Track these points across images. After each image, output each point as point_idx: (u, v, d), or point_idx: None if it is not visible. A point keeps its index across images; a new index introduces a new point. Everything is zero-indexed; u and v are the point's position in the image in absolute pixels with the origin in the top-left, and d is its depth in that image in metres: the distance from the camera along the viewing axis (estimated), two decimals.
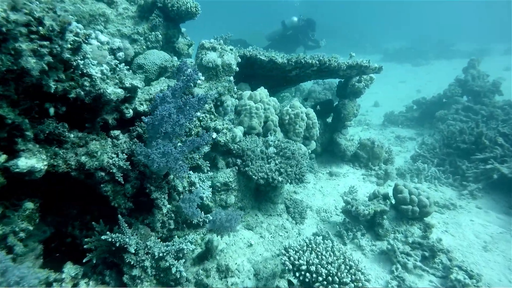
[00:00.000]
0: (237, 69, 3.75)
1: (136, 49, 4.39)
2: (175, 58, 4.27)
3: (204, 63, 3.57)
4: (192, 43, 5.27)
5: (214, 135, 3.24)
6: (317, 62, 3.97)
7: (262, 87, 3.97)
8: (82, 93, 2.06)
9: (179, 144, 2.39)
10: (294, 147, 3.59)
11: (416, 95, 11.75)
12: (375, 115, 9.95)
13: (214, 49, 3.70)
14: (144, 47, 4.44)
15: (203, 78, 3.19)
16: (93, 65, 1.99)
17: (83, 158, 2.06)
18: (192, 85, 2.86)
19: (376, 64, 4.46)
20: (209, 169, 3.22)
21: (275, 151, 3.51)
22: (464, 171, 5.46)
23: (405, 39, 22.64)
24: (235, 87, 3.82)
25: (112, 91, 2.15)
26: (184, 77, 2.27)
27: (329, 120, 5.62)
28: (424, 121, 8.71)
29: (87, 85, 2.07)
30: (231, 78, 3.67)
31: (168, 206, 2.48)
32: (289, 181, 3.36)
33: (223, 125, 3.32)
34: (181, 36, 5.38)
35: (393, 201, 3.95)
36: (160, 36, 4.45)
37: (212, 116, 3.28)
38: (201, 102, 2.29)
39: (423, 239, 3.42)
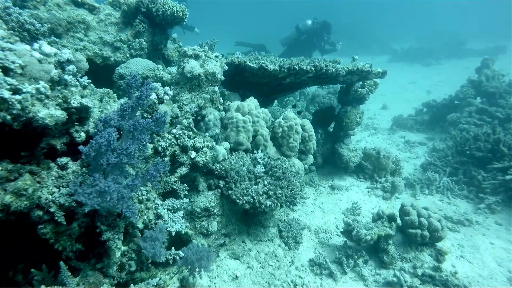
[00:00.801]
0: (223, 78, 3.29)
1: (119, 58, 3.98)
2: (160, 67, 3.85)
3: (186, 73, 3.12)
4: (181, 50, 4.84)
5: (193, 154, 2.79)
6: (313, 68, 3.47)
7: (251, 97, 3.49)
8: (8, 117, 1.64)
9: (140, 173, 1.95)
10: (286, 164, 3.10)
11: (426, 96, 11.05)
12: (383, 118, 9.32)
13: (197, 57, 3.25)
14: (128, 55, 4.03)
15: (171, 92, 2.73)
16: (8, 84, 1.57)
17: (8, 198, 1.63)
18: (156, 102, 2.41)
19: (379, 68, 3.92)
20: (187, 192, 2.77)
21: (264, 170, 3.03)
22: (480, 181, 4.85)
23: (414, 39, 21.69)
24: (220, 98, 3.36)
25: (48, 114, 1.72)
26: (137, 94, 1.83)
27: (331, 127, 5.10)
28: (435, 124, 8.06)
29: (16, 107, 1.65)
30: (216, 88, 3.22)
31: (123, 248, 2.03)
32: (279, 204, 2.88)
33: (204, 142, 2.86)
34: (173, 42, 4.97)
35: (400, 222, 3.42)
36: (144, 43, 4.03)
37: (191, 133, 2.82)
38: (160, 123, 1.84)
39: (435, 271, 2.87)
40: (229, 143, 3.18)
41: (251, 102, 3.36)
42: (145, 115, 2.26)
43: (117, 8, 4.34)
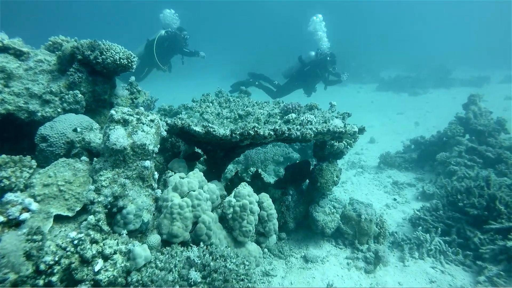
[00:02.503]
0: (156, 149, 2.51)
1: (48, 113, 3.19)
2: (96, 125, 3.08)
3: (109, 144, 2.35)
4: (137, 96, 4.05)
5: (99, 264, 1.97)
6: (272, 133, 2.69)
7: (196, 170, 2.70)
8: None
9: None
10: (231, 265, 2.28)
11: (414, 128, 10.38)
12: (370, 153, 8.57)
13: (125, 122, 2.48)
14: (60, 109, 3.24)
15: (34, 207, 1.88)
16: None
17: None
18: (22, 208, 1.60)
19: (355, 127, 3.16)
20: None
21: (202, 274, 2.21)
22: (477, 245, 4.06)
23: (401, 66, 21.27)
24: (155, 173, 2.57)
25: None
26: None
27: (305, 184, 4.31)
28: (423, 163, 7.33)
29: None
30: (147, 163, 2.42)
31: None
32: None
33: (117, 245, 2.05)
34: (129, 87, 4.18)
35: None
36: (79, 95, 3.25)
37: (98, 235, 2.01)
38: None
39: None
40: (160, 235, 2.36)
41: (194, 178, 2.56)
42: None
43: (57, 52, 3.61)
